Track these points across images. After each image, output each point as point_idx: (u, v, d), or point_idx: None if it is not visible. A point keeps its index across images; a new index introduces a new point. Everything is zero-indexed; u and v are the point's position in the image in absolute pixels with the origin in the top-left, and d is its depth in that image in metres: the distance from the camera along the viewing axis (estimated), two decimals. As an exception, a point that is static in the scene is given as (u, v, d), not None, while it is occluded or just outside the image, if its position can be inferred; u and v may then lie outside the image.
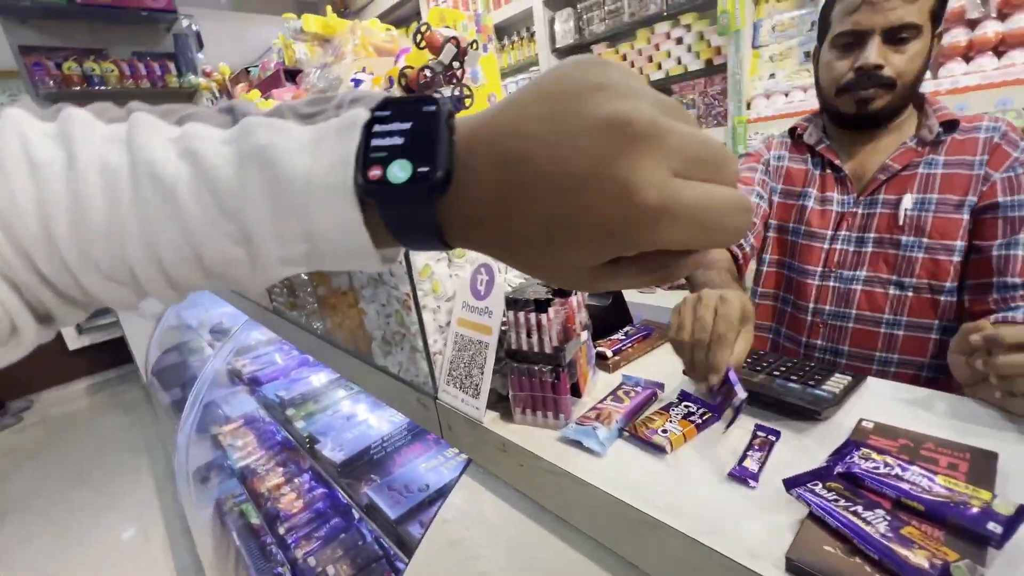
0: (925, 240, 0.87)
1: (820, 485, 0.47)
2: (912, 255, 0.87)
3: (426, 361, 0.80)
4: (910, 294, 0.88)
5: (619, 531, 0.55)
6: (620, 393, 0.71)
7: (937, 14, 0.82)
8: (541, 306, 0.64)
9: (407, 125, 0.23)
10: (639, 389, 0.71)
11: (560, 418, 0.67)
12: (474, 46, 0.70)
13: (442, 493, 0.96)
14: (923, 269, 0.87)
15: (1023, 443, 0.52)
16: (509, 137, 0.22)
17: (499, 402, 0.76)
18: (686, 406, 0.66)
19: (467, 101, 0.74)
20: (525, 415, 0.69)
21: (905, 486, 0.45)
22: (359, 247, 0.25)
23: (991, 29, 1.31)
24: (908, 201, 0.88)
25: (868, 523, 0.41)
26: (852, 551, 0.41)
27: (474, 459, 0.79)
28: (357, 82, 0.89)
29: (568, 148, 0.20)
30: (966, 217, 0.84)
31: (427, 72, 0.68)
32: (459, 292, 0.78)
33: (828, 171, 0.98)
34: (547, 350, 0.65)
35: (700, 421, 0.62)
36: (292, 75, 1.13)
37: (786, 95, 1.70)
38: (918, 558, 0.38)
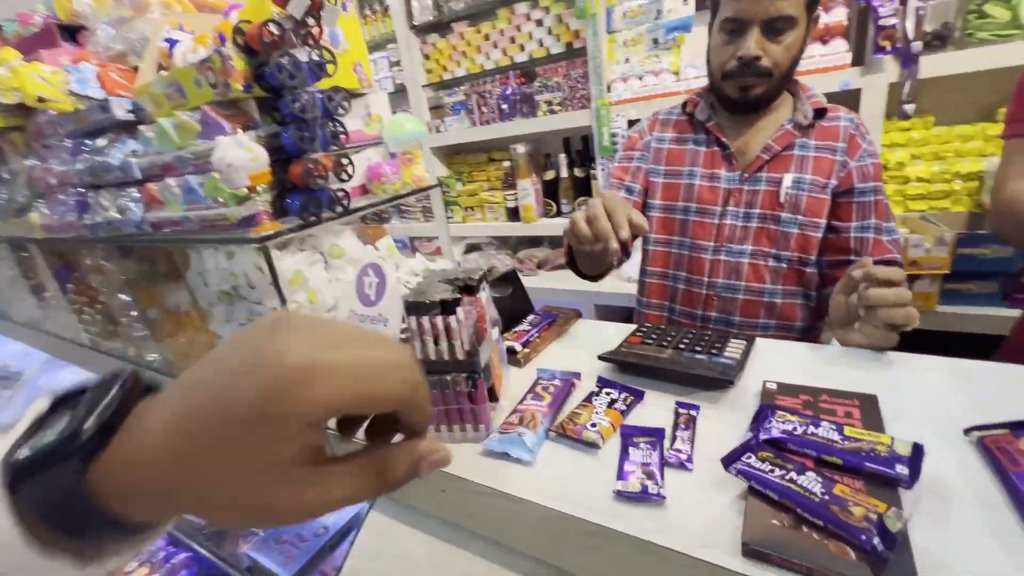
0: (799, 217, 0.95)
1: (753, 457, 0.47)
2: (789, 231, 0.96)
3: (309, 386, 0.66)
4: (784, 266, 0.98)
5: (562, 545, 0.50)
6: (538, 390, 0.66)
7: (812, 3, 0.89)
8: (448, 307, 0.56)
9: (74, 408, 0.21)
10: (557, 382, 0.67)
11: (481, 429, 0.60)
12: (332, 0, 0.58)
13: (346, 533, 0.83)
14: (796, 243, 0.96)
15: (891, 383, 0.58)
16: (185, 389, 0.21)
17: (405, 420, 0.67)
18: (607, 393, 0.63)
19: (329, 68, 0.61)
20: (440, 432, 0.61)
21: (821, 442, 0.47)
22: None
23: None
24: (788, 180, 0.95)
25: (806, 489, 0.42)
26: (798, 520, 0.41)
27: (383, 491, 0.68)
28: (171, 42, 0.69)
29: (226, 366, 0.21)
30: (828, 198, 0.94)
31: (272, 27, 0.54)
32: (343, 300, 0.66)
33: (716, 148, 1.04)
34: (460, 356, 0.57)
35: (625, 407, 0.60)
36: (72, 32, 0.85)
37: (640, 79, 1.81)
38: (857, 516, 0.39)
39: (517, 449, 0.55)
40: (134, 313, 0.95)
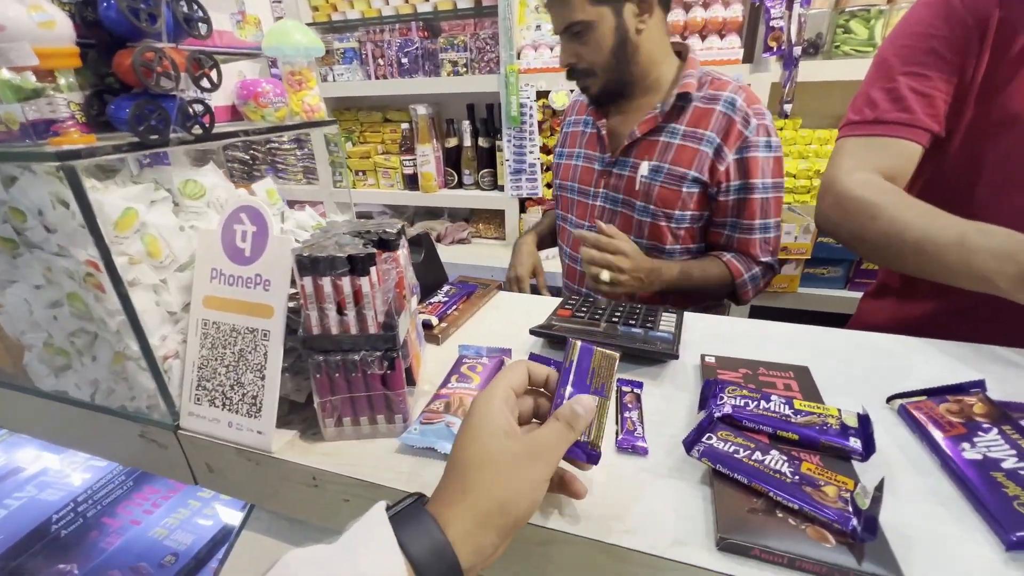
0: (651, 207, 0.93)
1: (714, 437, 0.43)
2: (642, 219, 0.96)
3: (150, 372, 0.48)
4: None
5: (506, 558, 0.41)
6: (464, 370, 0.56)
7: None
8: (359, 265, 0.43)
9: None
10: (485, 360, 0.57)
11: (397, 420, 0.48)
12: None
13: (203, 560, 0.65)
14: (649, 232, 0.96)
15: (815, 355, 0.59)
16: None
17: (293, 413, 0.52)
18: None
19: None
20: (342, 427, 0.48)
21: (776, 417, 0.45)
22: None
23: (699, 14, 1.59)
24: (644, 168, 0.93)
25: (775, 470, 0.38)
26: (771, 504, 0.37)
27: (260, 504, 0.53)
28: None
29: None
30: (692, 190, 0.90)
31: None
32: (202, 255, 0.48)
33: (593, 130, 1.03)
34: (372, 329, 0.45)
35: None
36: None
37: (551, 49, 1.75)
38: (830, 496, 0.36)
39: (445, 443, 0.45)
40: None
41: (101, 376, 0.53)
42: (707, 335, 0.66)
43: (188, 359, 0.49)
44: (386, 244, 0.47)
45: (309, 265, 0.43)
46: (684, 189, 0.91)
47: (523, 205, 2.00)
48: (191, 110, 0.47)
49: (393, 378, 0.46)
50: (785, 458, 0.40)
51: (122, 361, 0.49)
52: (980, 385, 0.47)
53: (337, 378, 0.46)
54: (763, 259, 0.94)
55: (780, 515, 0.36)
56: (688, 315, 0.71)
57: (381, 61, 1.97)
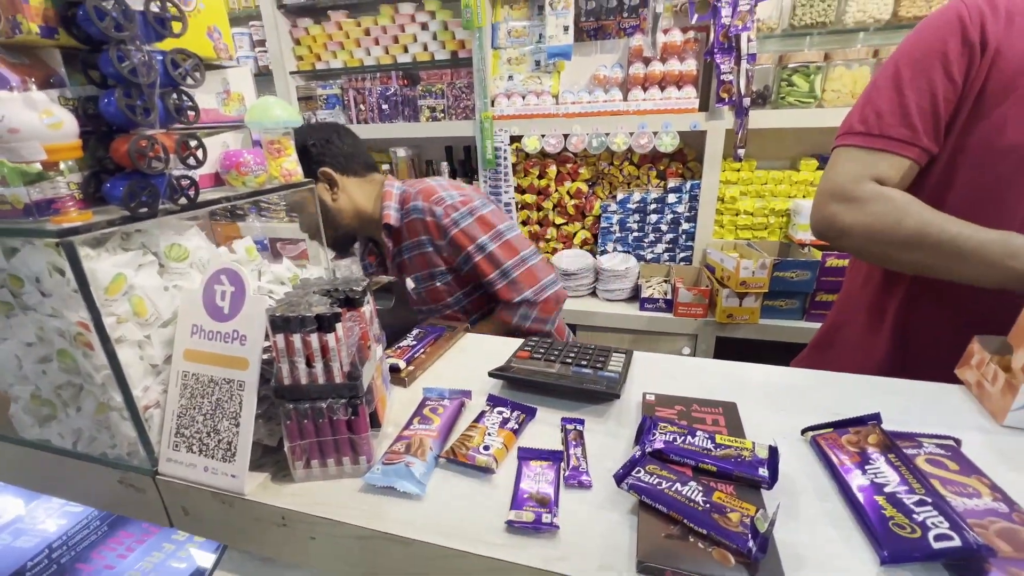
0: (434, 306, 1.16)
1: (642, 471, 0.48)
2: (442, 312, 1.17)
3: (132, 421, 0.52)
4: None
5: (455, 585, 0.46)
6: (426, 412, 0.61)
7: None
8: (325, 323, 0.48)
9: None
10: (446, 403, 0.63)
11: (361, 461, 0.53)
12: (181, -56, 0.46)
13: (176, 601, 0.67)
14: (452, 317, 1.15)
15: (743, 391, 0.66)
16: None
17: (265, 457, 0.56)
18: (499, 412, 0.61)
19: (175, 25, 0.49)
20: (311, 468, 0.52)
21: (698, 451, 0.51)
22: None
23: (657, 68, 1.73)
24: (410, 283, 1.15)
25: (690, 499, 0.44)
26: (685, 531, 0.43)
27: (233, 544, 0.56)
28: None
29: None
30: (442, 283, 1.12)
31: (92, -39, 0.41)
32: (184, 312, 0.53)
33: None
34: (338, 379, 0.50)
35: (517, 426, 0.59)
36: None
37: (523, 97, 1.87)
38: (733, 521, 0.42)
39: (405, 482, 0.49)
40: None
41: (84, 425, 0.56)
42: (654, 373, 0.72)
43: (168, 408, 0.54)
44: (352, 302, 0.53)
45: (282, 324, 0.48)
46: (439, 283, 1.13)
47: (500, 242, 2.08)
48: (178, 184, 0.53)
49: (357, 423, 0.51)
50: (701, 488, 0.45)
51: (105, 411, 0.53)
52: (876, 418, 0.54)
53: (306, 424, 0.50)
54: (515, 299, 1.07)
55: (692, 540, 0.42)
56: (640, 355, 0.77)
57: (363, 106, 2.07)
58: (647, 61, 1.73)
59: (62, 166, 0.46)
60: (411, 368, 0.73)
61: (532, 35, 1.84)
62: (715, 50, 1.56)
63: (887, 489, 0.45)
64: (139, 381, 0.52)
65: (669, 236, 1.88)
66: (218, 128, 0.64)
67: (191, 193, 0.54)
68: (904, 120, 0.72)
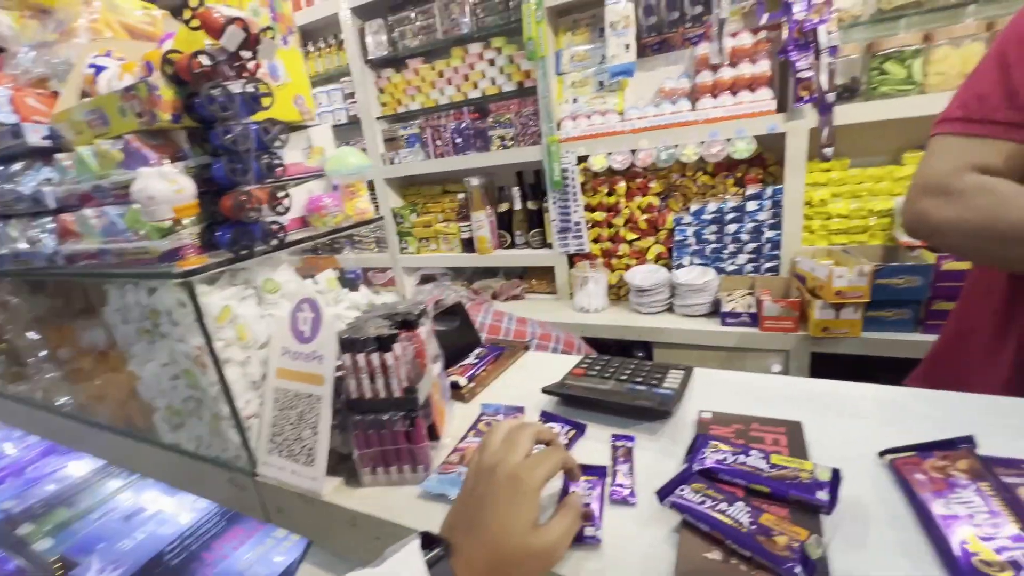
0: None
1: (687, 489, 0.47)
2: None
3: (236, 429, 0.62)
4: None
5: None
6: (481, 427, 0.65)
7: None
8: (384, 343, 0.55)
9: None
10: (501, 418, 0.66)
11: (419, 470, 0.58)
12: (267, 33, 0.57)
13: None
14: None
15: (817, 409, 0.61)
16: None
17: (341, 463, 0.63)
18: (550, 427, 0.63)
19: (265, 101, 0.60)
20: (376, 475, 0.58)
21: (750, 471, 0.49)
22: None
23: (727, 74, 1.66)
24: None
25: (735, 520, 0.43)
26: (727, 553, 0.41)
27: (315, 541, 0.64)
28: (98, 68, 0.66)
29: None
30: None
31: (203, 59, 0.53)
32: (276, 337, 0.63)
33: None
34: (396, 394, 0.56)
35: (567, 440, 0.60)
36: (-13, 55, 0.80)
37: (588, 118, 1.89)
38: (780, 545, 0.40)
39: (456, 490, 0.53)
40: (43, 353, 0.87)
41: (203, 432, 0.68)
42: (718, 391, 0.69)
43: (264, 418, 0.63)
44: (409, 324, 0.59)
45: (348, 344, 0.55)
46: None
47: (571, 261, 2.10)
48: (270, 228, 0.64)
49: (415, 434, 0.56)
50: (748, 509, 0.44)
51: (217, 421, 0.64)
52: (969, 440, 0.48)
53: (371, 434, 0.56)
54: None
55: (734, 562, 0.40)
56: (704, 371, 0.75)
57: (439, 142, 2.23)
58: (715, 68, 1.68)
59: (184, 221, 0.58)
60: (472, 385, 0.77)
61: (595, 58, 1.87)
62: (789, 48, 1.47)
63: (975, 521, 0.40)
64: (242, 395, 0.62)
65: (751, 246, 1.77)
66: (303, 179, 0.75)
67: (280, 235, 0.64)
68: (1011, 101, 0.64)
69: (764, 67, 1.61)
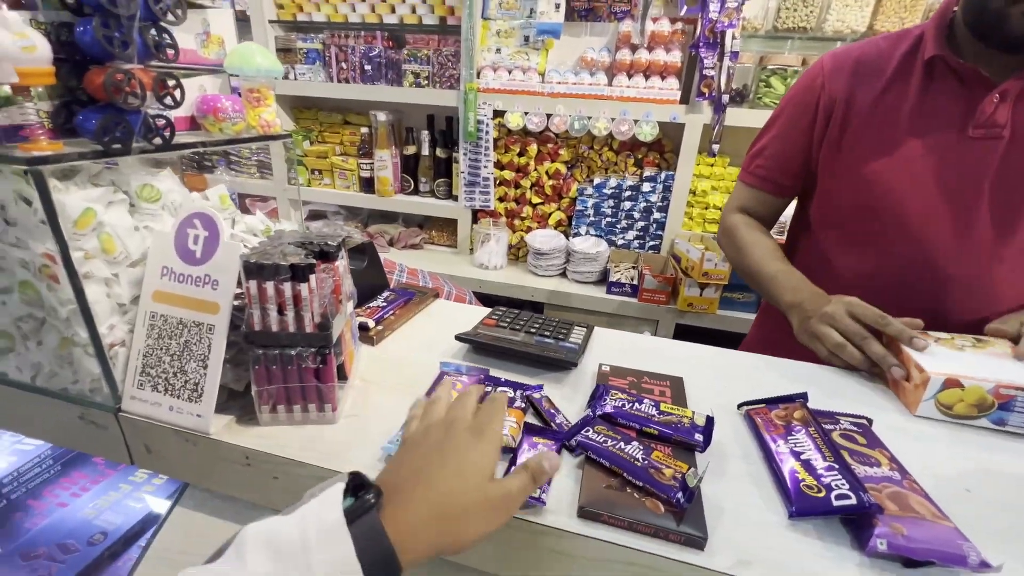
0: None
1: (591, 430, 0.52)
2: None
3: (96, 358, 0.53)
4: None
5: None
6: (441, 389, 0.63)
7: None
8: (299, 273, 0.50)
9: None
10: (465, 379, 0.63)
11: (326, 409, 0.55)
12: None
13: (131, 539, 0.68)
14: None
15: (692, 368, 0.71)
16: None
17: (230, 400, 0.58)
18: (502, 391, 0.62)
19: None
20: (277, 413, 0.54)
21: (643, 416, 0.55)
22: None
23: (643, 56, 1.75)
24: None
25: (631, 456, 0.48)
26: (624, 483, 0.47)
27: (195, 482, 0.58)
28: None
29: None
30: None
31: None
32: (154, 254, 0.54)
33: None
34: (308, 329, 0.52)
35: (524, 405, 0.60)
36: None
37: (509, 72, 1.85)
38: (666, 476, 0.46)
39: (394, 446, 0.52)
40: None
41: (45, 360, 0.56)
42: (612, 348, 0.76)
43: (134, 347, 0.54)
44: (326, 255, 0.54)
45: (255, 270, 0.49)
46: None
47: (475, 216, 2.09)
48: (153, 123, 0.53)
49: (325, 372, 0.53)
50: (641, 447, 0.50)
51: (69, 347, 0.53)
52: (804, 397, 0.60)
53: (274, 370, 0.52)
54: None
55: (628, 491, 0.46)
56: (601, 331, 0.81)
57: (344, 65, 2.01)
58: (634, 48, 1.75)
59: (33, 92, 0.45)
60: (380, 328, 0.75)
61: (524, 9, 1.82)
62: (700, 44, 1.59)
63: (803, 456, 0.51)
64: (105, 318, 0.52)
65: (641, 224, 1.93)
66: (196, 70, 0.63)
67: (166, 133, 0.54)
68: (760, 158, 0.95)
69: (676, 57, 1.71)
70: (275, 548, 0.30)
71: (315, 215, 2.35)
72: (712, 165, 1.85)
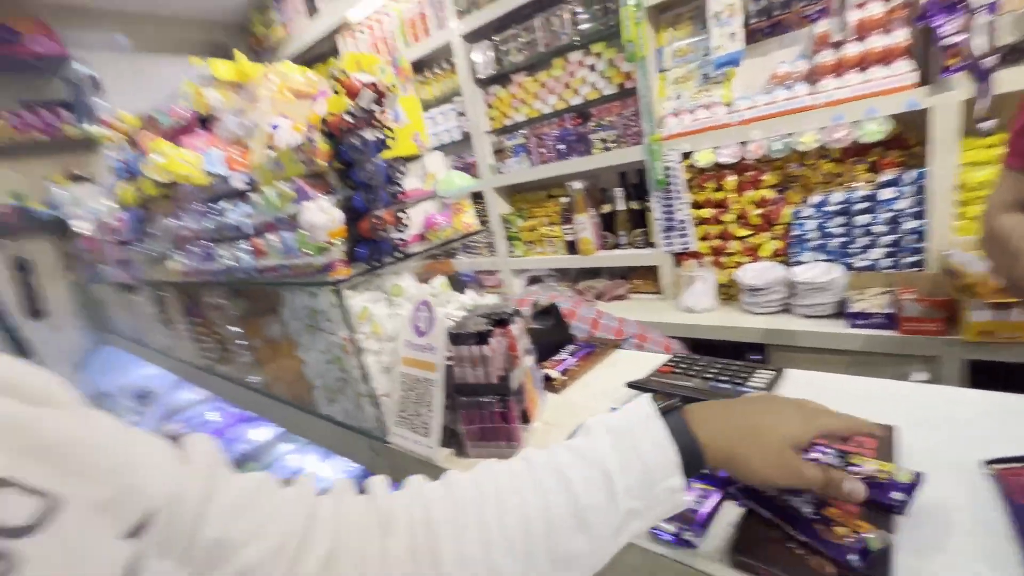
0: None
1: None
2: None
3: (373, 405, 0.78)
4: None
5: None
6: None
7: None
8: (482, 337, 0.65)
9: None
10: None
11: (513, 446, 0.67)
12: (393, 89, 0.72)
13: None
14: None
15: (913, 413, 0.58)
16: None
17: (452, 437, 0.76)
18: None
19: (390, 142, 0.74)
20: (478, 447, 0.69)
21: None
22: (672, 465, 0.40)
23: (852, 49, 1.51)
24: None
25: (796, 508, 0.45)
26: (786, 536, 0.44)
27: (432, 500, 0.77)
28: (275, 126, 0.87)
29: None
30: None
31: (347, 117, 0.69)
32: (401, 331, 0.78)
33: None
34: (493, 380, 0.66)
35: None
36: (205, 121, 1.09)
37: (691, 113, 1.84)
38: (837, 534, 0.41)
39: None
40: (242, 342, 1.15)
41: (349, 407, 0.86)
42: (807, 392, 0.68)
43: (393, 397, 0.78)
44: (502, 322, 0.69)
45: (456, 338, 0.67)
46: None
47: (678, 260, 2.05)
48: (395, 244, 0.79)
49: (508, 415, 0.66)
50: (814, 501, 0.45)
51: (360, 398, 0.81)
52: (1096, 455, 0.43)
53: (473, 413, 0.68)
54: None
55: (791, 545, 0.43)
56: (797, 372, 0.74)
57: (543, 150, 2.34)
58: (838, 45, 1.53)
59: (335, 242, 0.75)
60: (564, 378, 0.85)
61: (698, 51, 1.82)
62: (929, 12, 1.30)
63: (1079, 536, 0.38)
64: (376, 377, 0.78)
65: (888, 239, 1.58)
66: (420, 200, 0.90)
67: (402, 250, 0.79)
68: None
69: (900, 37, 1.43)
70: (609, 429, 0.41)
71: (533, 279, 2.69)
72: (990, 147, 1.41)
